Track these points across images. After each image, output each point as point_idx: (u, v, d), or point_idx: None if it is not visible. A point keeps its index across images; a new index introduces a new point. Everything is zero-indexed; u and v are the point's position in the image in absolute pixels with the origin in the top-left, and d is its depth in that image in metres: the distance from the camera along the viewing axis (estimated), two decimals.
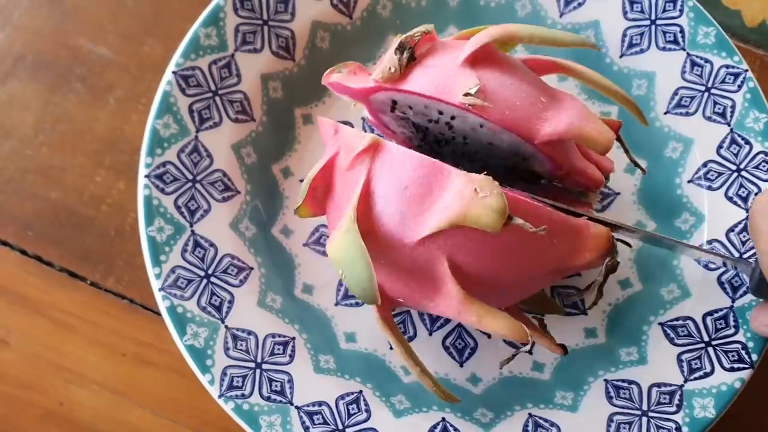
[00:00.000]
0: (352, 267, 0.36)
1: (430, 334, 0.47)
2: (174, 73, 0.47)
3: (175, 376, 0.48)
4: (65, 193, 0.51)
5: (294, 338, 0.45)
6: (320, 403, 0.43)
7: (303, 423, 0.42)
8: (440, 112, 0.40)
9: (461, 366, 0.46)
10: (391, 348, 0.46)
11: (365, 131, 0.50)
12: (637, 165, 0.44)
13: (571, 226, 0.38)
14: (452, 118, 0.40)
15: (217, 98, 0.48)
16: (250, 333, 0.44)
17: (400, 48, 0.40)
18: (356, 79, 0.42)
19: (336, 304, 0.47)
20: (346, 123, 0.50)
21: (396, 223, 0.37)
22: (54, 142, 0.52)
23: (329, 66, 0.44)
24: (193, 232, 0.45)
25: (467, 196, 0.36)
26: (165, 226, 0.45)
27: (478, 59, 0.40)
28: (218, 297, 0.44)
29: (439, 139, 0.42)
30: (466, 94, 0.38)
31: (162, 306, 0.43)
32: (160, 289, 0.44)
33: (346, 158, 0.39)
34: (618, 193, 0.49)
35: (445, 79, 0.39)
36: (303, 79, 0.50)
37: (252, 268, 0.46)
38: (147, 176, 0.45)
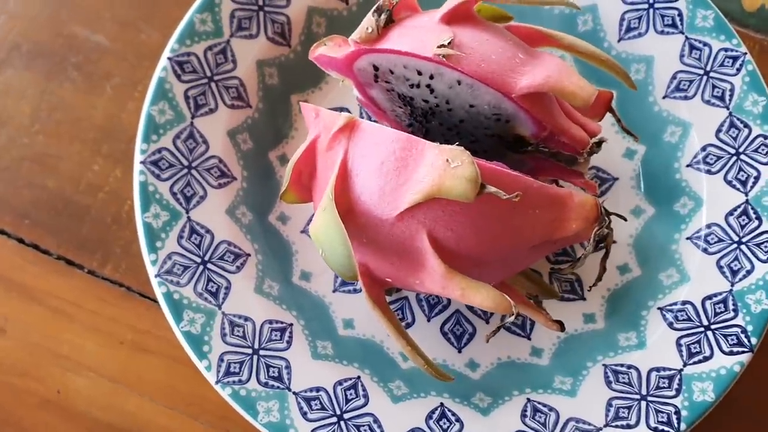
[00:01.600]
0: (331, 244, 0.36)
1: (429, 320, 0.47)
2: (169, 59, 0.47)
3: (173, 364, 0.48)
4: (62, 182, 0.51)
5: (291, 324, 0.45)
6: (318, 389, 0.43)
7: (301, 409, 0.42)
8: (419, 72, 0.40)
9: (459, 352, 0.46)
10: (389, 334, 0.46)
11: (361, 116, 0.49)
12: (629, 133, 0.44)
13: (553, 195, 0.38)
14: (431, 77, 0.40)
15: (213, 84, 0.48)
16: (247, 319, 0.44)
17: (378, 10, 0.40)
18: (340, 50, 0.42)
19: (334, 291, 0.47)
20: (341, 109, 0.50)
21: (375, 200, 0.37)
22: (50, 130, 0.52)
23: None
24: (189, 218, 0.45)
25: (440, 167, 0.35)
26: (161, 212, 0.45)
27: (455, 18, 0.40)
28: (215, 283, 0.44)
29: (425, 111, 0.42)
30: (440, 46, 0.38)
31: (158, 292, 0.43)
32: (156, 276, 0.43)
33: (325, 139, 0.39)
34: (617, 178, 0.49)
35: (421, 35, 0.39)
36: (299, 65, 0.50)
37: (249, 255, 0.46)
38: (142, 162, 0.45)
